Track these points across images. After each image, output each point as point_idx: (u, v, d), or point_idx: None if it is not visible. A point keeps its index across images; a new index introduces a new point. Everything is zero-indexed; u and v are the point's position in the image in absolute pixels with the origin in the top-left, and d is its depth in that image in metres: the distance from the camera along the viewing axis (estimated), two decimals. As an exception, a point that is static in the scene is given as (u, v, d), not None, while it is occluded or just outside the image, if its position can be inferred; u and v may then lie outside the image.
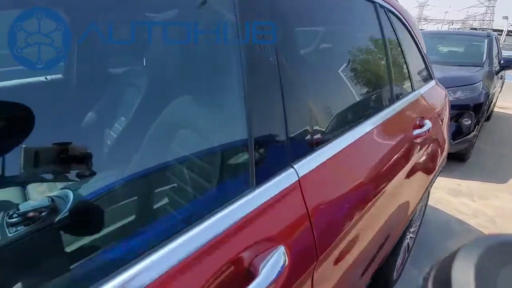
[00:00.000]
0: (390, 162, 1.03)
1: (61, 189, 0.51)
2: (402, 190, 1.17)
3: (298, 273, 0.64)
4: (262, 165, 0.62)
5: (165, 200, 0.64)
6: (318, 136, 0.79)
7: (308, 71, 0.89)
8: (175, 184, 0.64)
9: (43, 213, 0.48)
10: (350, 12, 1.16)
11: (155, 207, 0.63)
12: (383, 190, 0.97)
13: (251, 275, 0.53)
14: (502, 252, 0.26)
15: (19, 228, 0.47)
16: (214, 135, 0.69)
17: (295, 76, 0.73)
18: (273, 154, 0.65)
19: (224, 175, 0.65)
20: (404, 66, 1.46)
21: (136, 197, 0.61)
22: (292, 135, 0.68)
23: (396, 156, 1.08)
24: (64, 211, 0.48)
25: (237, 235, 0.54)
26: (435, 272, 0.29)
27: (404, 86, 1.44)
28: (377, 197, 0.93)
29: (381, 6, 1.27)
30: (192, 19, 0.69)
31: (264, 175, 0.62)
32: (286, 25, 0.74)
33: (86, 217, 0.52)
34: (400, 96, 1.32)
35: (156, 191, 0.64)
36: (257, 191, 0.60)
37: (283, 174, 0.64)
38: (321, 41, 1.11)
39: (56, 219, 0.48)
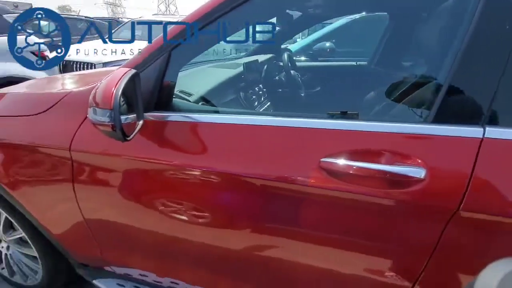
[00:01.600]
0: None
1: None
2: None
3: (434, 200, 0.66)
4: (448, 110, 0.67)
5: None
6: None
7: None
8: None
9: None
10: None
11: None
12: None
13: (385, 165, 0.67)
14: None
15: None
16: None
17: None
18: (467, 107, 0.67)
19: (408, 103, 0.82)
20: None
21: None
22: (499, 102, 0.65)
23: None
24: None
25: (396, 142, 0.68)
26: None
27: None
28: None
29: None
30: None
31: (446, 118, 0.67)
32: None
33: None
34: None
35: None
36: (431, 125, 0.67)
37: (468, 128, 0.65)
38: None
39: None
